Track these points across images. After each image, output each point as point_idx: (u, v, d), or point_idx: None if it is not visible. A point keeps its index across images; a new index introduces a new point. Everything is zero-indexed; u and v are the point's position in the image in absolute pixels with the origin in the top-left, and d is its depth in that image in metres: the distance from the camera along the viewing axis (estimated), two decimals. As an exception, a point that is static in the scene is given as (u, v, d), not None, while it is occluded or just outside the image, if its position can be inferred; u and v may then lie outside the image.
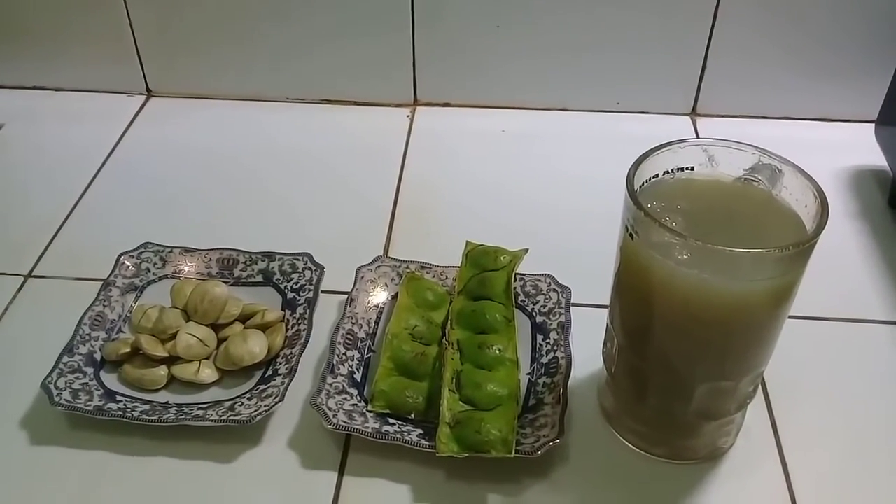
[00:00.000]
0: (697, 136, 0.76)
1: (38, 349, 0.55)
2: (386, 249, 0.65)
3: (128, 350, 0.54)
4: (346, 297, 0.58)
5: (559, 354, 0.54)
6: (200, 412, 0.51)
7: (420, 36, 0.76)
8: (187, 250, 0.61)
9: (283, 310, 0.58)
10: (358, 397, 0.52)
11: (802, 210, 0.43)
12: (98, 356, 0.55)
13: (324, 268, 0.60)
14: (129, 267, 0.60)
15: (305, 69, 0.80)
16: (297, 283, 0.59)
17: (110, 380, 0.53)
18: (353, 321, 0.56)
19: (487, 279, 0.58)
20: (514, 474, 0.49)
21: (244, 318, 0.57)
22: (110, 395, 0.52)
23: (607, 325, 0.50)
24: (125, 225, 0.67)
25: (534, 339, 0.56)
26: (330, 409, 0.50)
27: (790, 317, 0.44)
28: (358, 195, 0.70)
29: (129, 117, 0.80)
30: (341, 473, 0.49)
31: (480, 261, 0.59)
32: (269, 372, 0.54)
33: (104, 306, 0.57)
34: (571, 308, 0.57)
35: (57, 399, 0.50)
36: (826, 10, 0.72)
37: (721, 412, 0.47)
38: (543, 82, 0.79)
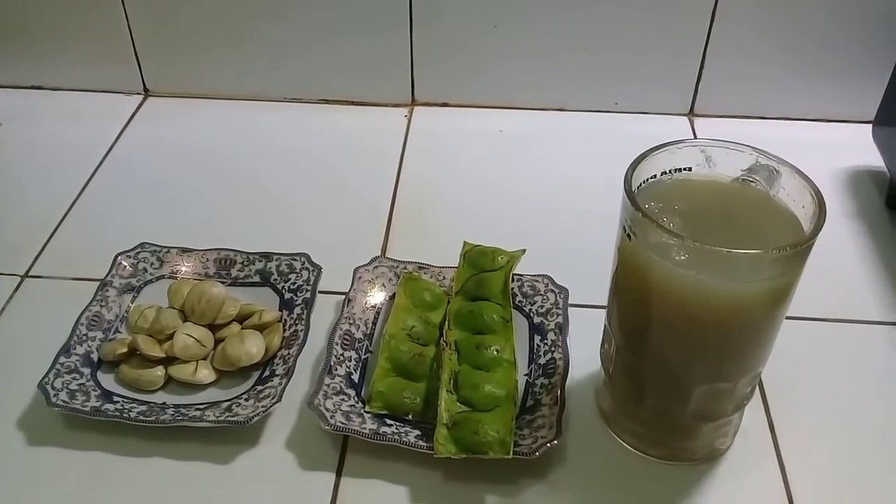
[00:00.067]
0: (695, 137, 0.76)
1: (35, 349, 0.55)
2: (383, 250, 0.65)
3: (125, 350, 0.54)
4: (343, 297, 0.58)
5: (557, 355, 0.54)
6: (197, 413, 0.50)
7: (418, 36, 0.76)
8: (184, 250, 0.61)
9: (280, 310, 0.58)
10: (355, 398, 0.52)
11: (800, 211, 0.43)
12: (95, 356, 0.54)
13: (321, 268, 0.60)
14: (126, 267, 0.60)
15: (303, 69, 0.79)
16: (294, 284, 0.59)
17: (107, 380, 0.53)
18: (351, 322, 0.56)
19: (485, 280, 0.58)
20: (512, 475, 0.49)
21: (241, 319, 0.57)
22: (107, 395, 0.52)
23: (605, 326, 0.50)
24: (122, 225, 0.67)
25: (531, 339, 0.56)
26: (327, 409, 0.50)
27: (787, 318, 0.44)
28: (355, 195, 0.70)
29: (127, 117, 0.80)
30: (339, 474, 0.49)
31: (478, 261, 0.59)
32: (267, 372, 0.54)
33: (101, 306, 0.57)
34: (569, 309, 0.57)
35: (54, 399, 0.50)
36: (824, 11, 0.72)
37: (719, 413, 0.47)
38: (541, 82, 0.79)
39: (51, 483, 0.49)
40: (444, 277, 0.60)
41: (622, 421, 0.51)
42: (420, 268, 0.60)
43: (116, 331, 0.57)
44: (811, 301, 0.56)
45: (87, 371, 0.53)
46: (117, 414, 0.50)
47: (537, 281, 0.59)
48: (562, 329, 0.55)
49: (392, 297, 0.58)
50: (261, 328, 0.56)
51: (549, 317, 0.57)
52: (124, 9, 0.77)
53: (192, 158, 0.75)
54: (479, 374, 0.52)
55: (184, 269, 0.61)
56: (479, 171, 0.73)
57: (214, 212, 0.69)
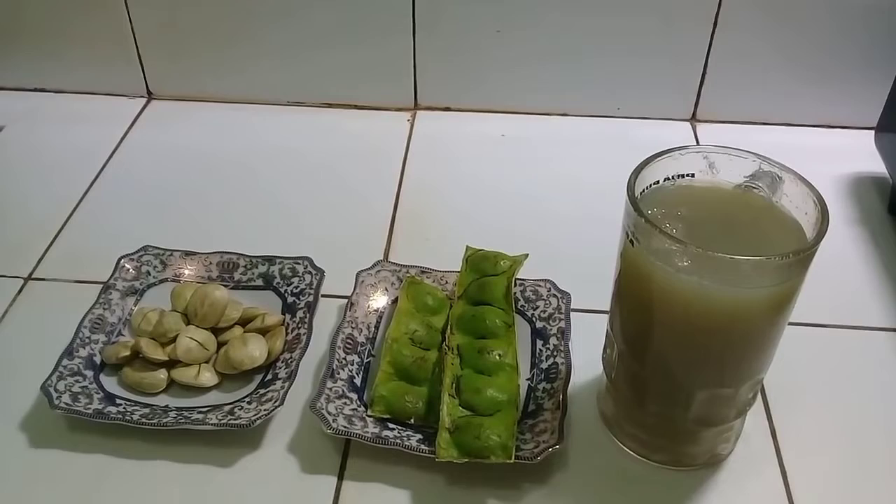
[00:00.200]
0: (697, 142, 0.76)
1: (38, 352, 0.55)
2: (386, 254, 0.65)
3: (128, 353, 0.54)
4: (346, 301, 0.58)
5: (559, 360, 0.54)
6: (200, 416, 0.51)
7: (421, 40, 0.76)
8: (187, 254, 0.61)
9: (283, 314, 0.58)
10: (358, 402, 0.52)
11: (803, 217, 0.43)
12: (98, 359, 0.55)
13: (324, 272, 0.60)
14: (129, 270, 0.60)
15: (306, 72, 0.80)
16: (297, 287, 0.59)
17: (110, 383, 0.53)
18: (353, 325, 0.56)
19: (487, 284, 0.58)
20: (514, 480, 0.49)
21: (244, 322, 0.57)
22: (110, 398, 0.52)
23: (607, 331, 0.50)
24: (125, 228, 0.67)
25: (534, 344, 0.56)
26: (330, 413, 0.50)
27: (790, 324, 0.44)
28: (358, 199, 0.70)
29: (130, 120, 0.80)
30: (341, 478, 0.49)
31: (480, 265, 0.59)
32: (269, 376, 0.54)
33: (104, 309, 0.57)
34: (571, 313, 0.57)
35: (57, 402, 0.50)
36: (826, 17, 0.72)
37: (721, 419, 0.47)
38: (544, 87, 0.79)
39: (53, 485, 0.49)
40: (447, 282, 0.60)
41: (624, 426, 0.51)
42: (422, 272, 0.60)
43: (119, 334, 0.57)
44: (814, 307, 0.56)
45: (89, 374, 0.53)
46: (120, 417, 0.50)
47: (540, 286, 0.59)
48: (564, 334, 0.55)
49: (394, 301, 0.58)
50: (263, 332, 0.56)
51: (551, 321, 0.57)
52: (128, 12, 0.77)
53: (195, 161, 0.75)
54: (482, 378, 0.52)
55: (187, 272, 0.61)
56: (482, 176, 0.73)
57: (217, 215, 0.69)
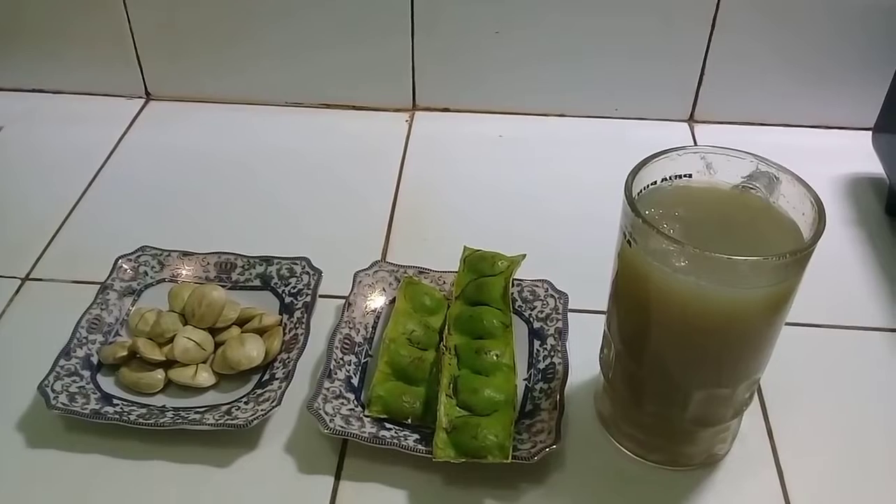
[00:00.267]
0: (695, 143, 0.76)
1: (35, 352, 0.55)
2: (384, 254, 0.65)
3: (125, 353, 0.54)
4: (343, 301, 0.58)
5: (556, 360, 0.54)
6: (197, 416, 0.51)
7: (420, 41, 0.76)
8: (185, 254, 0.61)
9: (280, 314, 0.58)
10: (355, 402, 0.52)
11: (800, 218, 0.43)
12: (95, 359, 0.54)
13: (321, 272, 0.60)
14: (126, 270, 0.60)
15: (304, 73, 0.80)
16: (294, 288, 0.59)
17: (107, 383, 0.53)
18: (351, 326, 0.56)
19: (485, 284, 0.58)
20: (511, 480, 0.49)
21: (241, 322, 0.57)
22: (107, 398, 0.52)
23: (604, 331, 0.50)
24: (123, 228, 0.67)
25: (531, 344, 0.56)
26: (327, 413, 0.50)
27: (787, 324, 0.44)
28: (356, 199, 0.70)
29: (128, 120, 0.80)
30: (338, 478, 0.49)
31: (478, 266, 0.59)
32: (267, 376, 0.54)
33: (101, 309, 0.57)
34: (569, 314, 0.57)
35: (54, 402, 0.50)
36: (824, 18, 0.72)
37: (717, 419, 0.47)
38: (542, 88, 0.79)
39: (50, 485, 0.49)
40: (445, 282, 0.60)
41: (621, 426, 0.51)
42: (420, 272, 0.60)
43: (117, 334, 0.57)
44: (811, 307, 0.56)
45: (86, 374, 0.53)
46: (117, 417, 0.50)
47: (537, 286, 0.59)
48: (561, 334, 0.55)
49: (392, 302, 0.58)
50: (261, 332, 0.56)
51: (548, 322, 0.57)
52: (126, 12, 0.77)
53: (193, 162, 0.75)
54: (479, 378, 0.52)
55: (184, 272, 0.61)
56: (480, 176, 0.73)
57: (215, 215, 0.69)
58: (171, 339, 0.54)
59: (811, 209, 0.42)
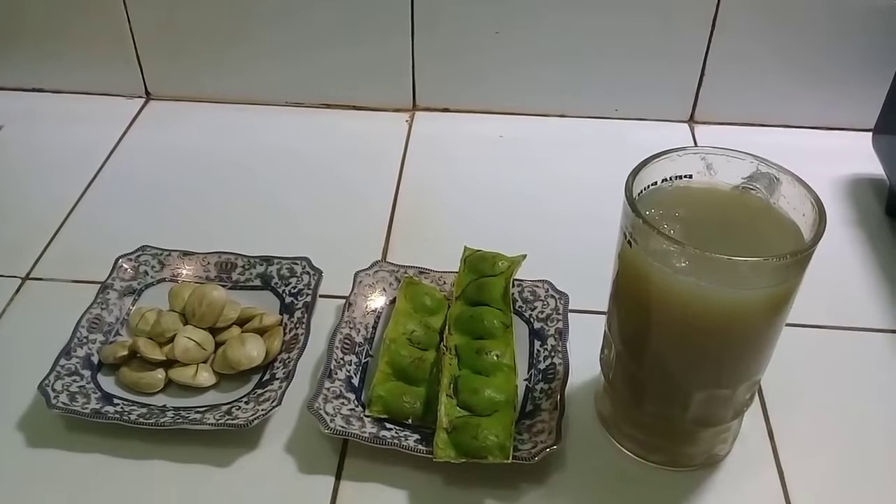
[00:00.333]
0: (695, 144, 0.76)
1: (36, 352, 0.54)
2: (384, 254, 0.65)
3: (125, 353, 0.54)
4: (343, 301, 0.58)
5: (557, 360, 0.54)
6: (198, 416, 0.51)
7: (420, 41, 0.76)
8: (185, 254, 0.61)
9: (280, 314, 0.58)
10: (355, 402, 0.52)
11: (800, 218, 0.43)
12: (95, 359, 0.54)
13: (322, 272, 0.60)
14: (127, 270, 0.60)
15: (305, 73, 0.80)
16: (295, 287, 0.59)
17: (107, 383, 0.53)
18: (351, 326, 0.56)
19: (485, 285, 0.58)
20: (511, 480, 0.49)
21: (242, 322, 0.57)
22: (107, 398, 0.52)
23: (605, 332, 0.50)
24: (123, 228, 0.67)
25: (531, 344, 0.56)
26: (327, 413, 0.50)
27: (787, 325, 0.44)
28: (356, 199, 0.70)
29: (128, 120, 0.80)
30: (338, 478, 0.49)
31: (478, 266, 0.59)
32: (267, 376, 0.54)
33: (102, 309, 0.57)
34: (569, 314, 0.57)
35: (54, 402, 0.50)
36: (824, 19, 0.72)
37: (718, 419, 0.47)
38: (542, 89, 0.79)
39: (50, 485, 0.49)
40: (445, 282, 0.60)
41: (622, 426, 0.51)
42: (420, 272, 0.60)
43: (117, 333, 0.57)
44: (811, 308, 0.56)
45: (87, 373, 0.53)
46: (117, 416, 0.50)
47: (538, 286, 0.59)
48: (562, 334, 0.55)
49: (392, 302, 0.58)
50: (261, 332, 0.56)
51: (549, 322, 0.57)
52: (126, 12, 0.77)
53: (193, 162, 0.75)
54: (479, 378, 0.52)
55: (185, 272, 0.61)
56: (480, 177, 0.73)
57: (215, 215, 0.69)
58: (172, 339, 0.54)
59: (811, 210, 0.42)
